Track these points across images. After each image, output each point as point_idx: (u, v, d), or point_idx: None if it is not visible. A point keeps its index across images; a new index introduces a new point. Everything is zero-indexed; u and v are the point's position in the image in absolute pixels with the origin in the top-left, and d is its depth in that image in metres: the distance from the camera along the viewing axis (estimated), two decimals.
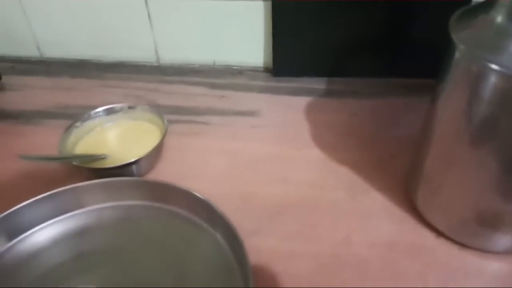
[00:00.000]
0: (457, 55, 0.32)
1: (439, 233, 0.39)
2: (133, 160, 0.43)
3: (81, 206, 0.40)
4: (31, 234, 0.38)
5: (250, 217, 0.41)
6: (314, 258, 0.38)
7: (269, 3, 0.56)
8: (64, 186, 0.40)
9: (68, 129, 0.47)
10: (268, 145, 0.50)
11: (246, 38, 0.61)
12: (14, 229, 0.38)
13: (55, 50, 0.68)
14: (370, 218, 0.41)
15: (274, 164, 0.48)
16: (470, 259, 0.37)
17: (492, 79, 0.30)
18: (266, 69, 0.63)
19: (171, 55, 0.65)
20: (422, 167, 0.39)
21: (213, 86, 0.61)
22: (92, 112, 0.49)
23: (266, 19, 0.59)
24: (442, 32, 0.33)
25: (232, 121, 0.54)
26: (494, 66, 0.29)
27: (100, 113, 0.50)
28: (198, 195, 0.38)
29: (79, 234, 0.39)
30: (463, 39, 0.31)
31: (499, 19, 0.30)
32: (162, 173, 0.46)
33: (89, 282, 0.35)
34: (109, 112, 0.50)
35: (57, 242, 0.38)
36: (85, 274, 0.36)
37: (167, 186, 0.39)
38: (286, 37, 0.58)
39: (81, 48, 0.67)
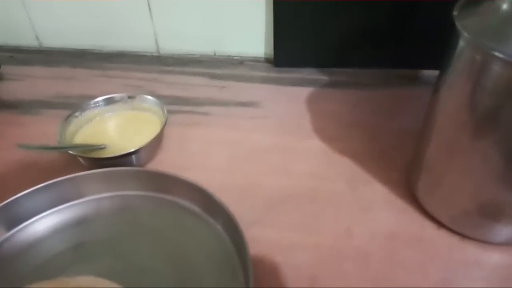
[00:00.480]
0: (461, 43, 0.31)
1: (440, 224, 0.39)
2: (132, 150, 0.43)
3: (80, 196, 0.40)
4: (30, 224, 0.38)
5: (251, 208, 0.41)
6: (314, 249, 0.38)
7: None
8: (63, 176, 0.40)
9: (67, 118, 0.47)
10: (269, 136, 0.50)
11: (247, 28, 0.61)
12: (13, 219, 0.38)
13: (54, 40, 0.67)
14: (371, 209, 0.41)
15: (275, 155, 0.47)
16: (470, 250, 0.37)
17: (497, 68, 0.29)
18: (267, 60, 0.63)
19: (171, 45, 0.65)
20: (423, 158, 0.39)
21: (214, 76, 0.60)
22: (92, 102, 0.49)
23: (267, 9, 0.58)
24: (446, 23, 0.32)
25: (232, 112, 0.54)
26: (499, 55, 0.28)
27: (100, 103, 0.49)
28: (198, 185, 0.38)
29: (78, 224, 0.39)
30: (467, 27, 0.31)
31: (505, 6, 0.30)
32: (162, 163, 0.46)
33: (88, 272, 0.35)
34: (108, 102, 0.50)
35: (56, 232, 0.38)
36: (84, 264, 0.36)
37: (167, 176, 0.39)
38: (287, 27, 0.57)
39: (80, 38, 0.66)
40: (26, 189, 0.38)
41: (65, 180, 0.39)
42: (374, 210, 0.41)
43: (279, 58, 0.60)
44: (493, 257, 0.37)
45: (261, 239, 0.37)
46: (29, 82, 0.61)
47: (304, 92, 0.56)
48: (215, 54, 0.64)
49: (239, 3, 0.58)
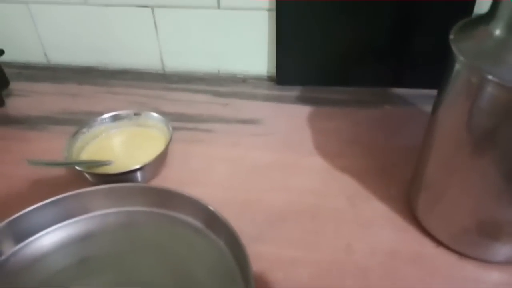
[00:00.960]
0: (457, 66, 0.32)
1: (438, 242, 0.39)
2: (138, 166, 0.44)
3: (85, 212, 0.41)
4: (36, 238, 0.39)
5: (253, 224, 0.42)
6: (315, 265, 0.38)
7: (273, 12, 0.57)
8: (69, 191, 0.40)
9: (74, 135, 0.48)
10: (271, 153, 0.51)
11: (250, 46, 0.62)
12: (20, 234, 0.38)
13: (61, 57, 0.69)
14: (371, 226, 0.42)
15: (277, 171, 0.48)
16: (469, 268, 0.38)
17: (492, 91, 0.30)
18: (270, 78, 0.64)
19: (176, 63, 0.66)
20: (423, 177, 0.40)
21: (217, 94, 0.61)
22: (99, 119, 0.50)
23: (270, 28, 0.59)
24: (444, 44, 0.33)
25: (235, 129, 0.55)
26: (493, 78, 0.29)
27: (106, 120, 0.50)
28: (201, 202, 0.39)
29: (83, 239, 0.39)
30: (463, 50, 0.32)
31: (499, 31, 0.31)
32: (166, 179, 0.47)
33: (93, 287, 0.35)
34: (115, 118, 0.51)
35: (61, 247, 0.39)
36: (89, 279, 0.37)
37: (171, 192, 0.40)
38: (289, 46, 0.58)
39: (87, 55, 0.68)
40: (33, 204, 0.39)
41: (71, 196, 0.40)
42: (374, 227, 0.41)
43: (281, 76, 0.62)
44: (493, 276, 0.37)
45: (262, 254, 0.38)
46: (36, 98, 0.62)
47: (305, 109, 0.57)
48: (218, 72, 0.66)
49: (242, 22, 0.60)
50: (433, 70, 0.39)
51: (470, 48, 0.32)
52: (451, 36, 0.33)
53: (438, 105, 0.36)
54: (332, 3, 0.54)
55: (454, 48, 0.32)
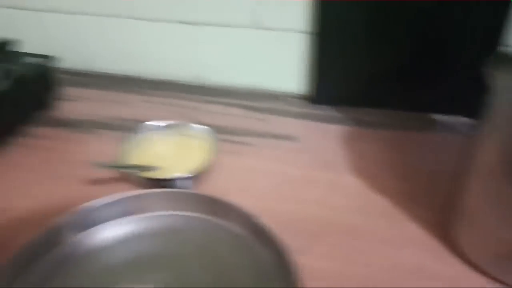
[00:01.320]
0: (494, 99, 0.35)
1: (472, 265, 0.40)
2: (190, 175, 0.47)
3: (142, 211, 0.43)
4: (97, 230, 0.41)
5: (290, 237, 0.43)
6: (350, 280, 0.40)
7: (309, 35, 0.60)
8: (119, 191, 0.42)
9: (126, 139, 0.52)
10: (306, 169, 0.52)
11: (287, 65, 0.65)
12: (81, 225, 0.41)
13: (109, 66, 0.73)
14: (406, 246, 0.43)
15: (313, 187, 0.50)
16: None
17: None
18: (304, 96, 0.66)
19: (214, 76, 0.69)
20: (461, 203, 0.41)
21: (253, 109, 0.64)
22: (149, 125, 0.54)
23: (305, 49, 0.62)
24: (479, 75, 0.36)
25: (270, 144, 0.57)
26: None
27: (156, 127, 0.54)
28: (250, 212, 0.40)
29: (138, 237, 0.42)
30: (499, 84, 0.34)
31: None
32: (207, 189, 0.49)
33: (144, 283, 0.38)
34: (164, 127, 0.54)
35: (118, 242, 0.41)
36: (141, 274, 0.39)
37: (222, 202, 0.42)
38: (329, 68, 0.61)
39: (132, 65, 0.72)
40: (93, 199, 0.41)
41: (132, 196, 0.42)
42: (409, 248, 0.43)
43: (317, 95, 0.64)
44: None
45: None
46: (84, 103, 0.65)
47: (339, 129, 0.59)
48: (255, 88, 0.69)
49: (279, 43, 0.63)
50: (468, 98, 0.41)
51: (506, 81, 0.34)
52: (487, 69, 0.35)
53: (477, 133, 0.38)
54: (375, 28, 0.57)
55: (490, 81, 0.34)
